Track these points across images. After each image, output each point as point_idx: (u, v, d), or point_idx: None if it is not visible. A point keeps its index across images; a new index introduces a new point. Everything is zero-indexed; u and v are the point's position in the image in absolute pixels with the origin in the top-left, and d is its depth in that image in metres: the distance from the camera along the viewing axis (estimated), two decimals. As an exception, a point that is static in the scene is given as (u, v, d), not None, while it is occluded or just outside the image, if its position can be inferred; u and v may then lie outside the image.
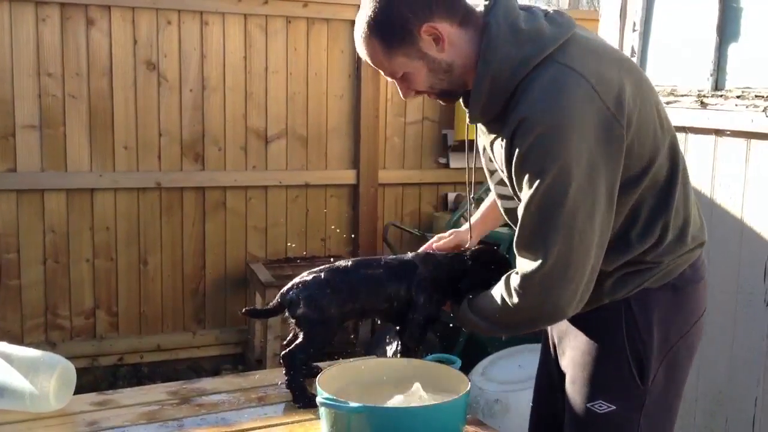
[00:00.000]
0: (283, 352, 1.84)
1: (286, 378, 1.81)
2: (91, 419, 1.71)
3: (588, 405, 1.75)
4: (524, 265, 1.61)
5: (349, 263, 1.88)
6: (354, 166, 4.94)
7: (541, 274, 1.58)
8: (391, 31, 1.62)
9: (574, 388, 1.79)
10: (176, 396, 1.85)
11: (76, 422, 1.70)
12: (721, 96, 3.03)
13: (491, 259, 1.91)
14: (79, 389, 1.81)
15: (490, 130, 1.73)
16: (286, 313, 1.84)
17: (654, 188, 1.68)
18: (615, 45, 3.52)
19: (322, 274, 1.82)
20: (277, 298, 1.86)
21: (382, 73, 1.71)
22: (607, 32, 3.58)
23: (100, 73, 4.33)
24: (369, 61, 1.70)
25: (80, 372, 1.82)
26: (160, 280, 4.61)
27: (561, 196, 1.54)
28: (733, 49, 3.05)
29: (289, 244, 4.84)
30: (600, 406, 1.74)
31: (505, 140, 1.61)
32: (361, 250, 4.93)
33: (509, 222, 1.87)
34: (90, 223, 4.42)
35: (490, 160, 1.81)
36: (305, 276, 1.84)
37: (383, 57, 1.65)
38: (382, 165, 5.00)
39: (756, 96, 2.89)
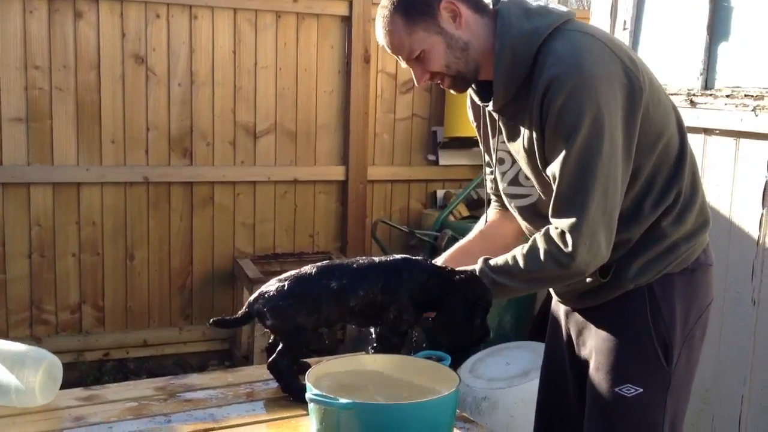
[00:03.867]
0: (268, 362, 1.83)
1: (280, 385, 1.81)
2: (78, 414, 1.70)
3: (616, 389, 1.81)
4: (568, 218, 1.66)
5: (313, 270, 1.82)
6: (343, 162, 4.92)
7: (586, 224, 1.64)
8: (413, 5, 1.71)
9: (600, 375, 1.84)
10: (163, 391, 1.84)
11: (62, 417, 1.68)
12: (711, 95, 3.03)
13: (477, 294, 1.82)
14: (65, 384, 1.79)
15: (513, 111, 1.76)
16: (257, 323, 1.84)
17: (668, 158, 1.76)
18: (605, 43, 3.52)
19: (286, 284, 1.80)
20: (244, 307, 1.85)
21: (400, 57, 1.76)
22: (597, 30, 3.58)
23: (87, 67, 4.30)
24: (388, 45, 1.76)
25: (66, 367, 1.81)
26: (147, 276, 4.59)
27: (598, 145, 1.62)
28: (723, 49, 3.06)
29: (277, 243, 4.83)
30: (628, 390, 1.80)
31: (534, 107, 1.67)
32: (349, 247, 4.92)
33: (523, 220, 1.93)
34: (76, 218, 4.39)
35: (501, 161, 1.88)
36: (270, 285, 1.82)
37: (404, 33, 1.71)
38: (371, 161, 4.99)
39: (745, 95, 2.89)
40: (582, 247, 1.65)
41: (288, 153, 4.81)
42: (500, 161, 1.90)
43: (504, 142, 1.86)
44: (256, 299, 1.82)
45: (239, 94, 4.64)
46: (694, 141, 3.08)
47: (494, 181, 2.01)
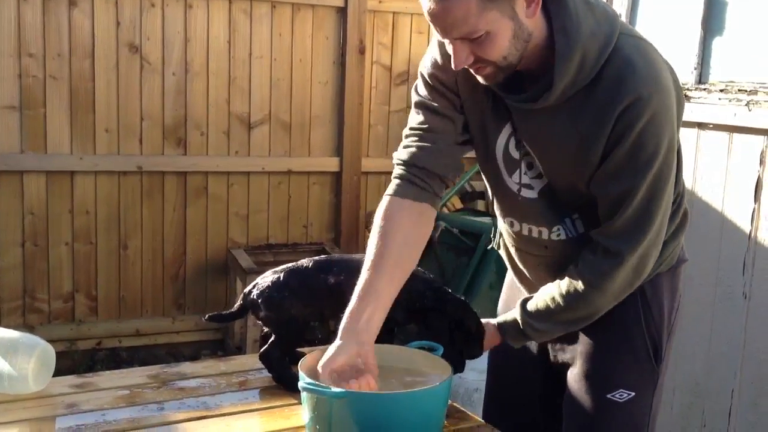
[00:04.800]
0: (260, 352, 1.83)
1: (272, 375, 1.81)
2: (71, 401, 1.70)
3: (608, 396, 1.77)
4: (619, 248, 1.61)
5: (310, 264, 1.83)
6: (337, 153, 4.92)
7: (644, 246, 1.61)
8: None
9: (589, 382, 1.79)
10: (156, 380, 1.84)
11: (55, 404, 1.69)
12: (705, 89, 3.04)
13: (462, 318, 1.80)
14: (57, 373, 1.80)
15: (552, 110, 1.60)
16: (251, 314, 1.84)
17: (679, 156, 1.72)
18: (600, 37, 3.52)
19: (281, 276, 1.80)
20: (239, 299, 1.85)
21: (450, 35, 1.52)
22: (592, 24, 3.58)
23: (81, 55, 4.28)
24: (445, 12, 1.48)
25: (58, 356, 1.81)
26: (140, 265, 4.58)
27: (668, 172, 1.59)
28: (717, 43, 3.07)
29: (270, 232, 4.83)
30: (620, 395, 1.77)
31: (602, 118, 1.55)
32: (343, 238, 4.93)
33: (516, 213, 1.79)
34: (70, 206, 4.38)
35: (509, 152, 1.71)
36: (266, 276, 1.82)
37: (475, 9, 1.46)
38: (366, 153, 4.99)
39: (739, 90, 2.90)
40: (626, 269, 1.63)
41: (282, 144, 4.81)
42: (511, 150, 1.72)
43: (517, 134, 1.69)
44: (250, 291, 1.82)
45: (234, 84, 4.63)
46: (687, 135, 3.09)
47: (435, 145, 1.73)
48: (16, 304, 4.33)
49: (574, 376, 1.82)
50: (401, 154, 1.76)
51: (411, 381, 1.65)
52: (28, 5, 4.14)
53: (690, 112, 3.06)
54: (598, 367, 1.79)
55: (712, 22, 3.08)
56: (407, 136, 1.78)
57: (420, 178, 1.73)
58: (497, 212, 1.89)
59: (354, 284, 1.64)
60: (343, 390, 1.46)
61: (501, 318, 1.81)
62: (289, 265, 1.83)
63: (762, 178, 2.81)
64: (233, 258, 4.55)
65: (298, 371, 1.54)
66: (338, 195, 4.95)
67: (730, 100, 2.91)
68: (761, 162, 2.81)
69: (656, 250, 1.66)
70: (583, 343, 1.81)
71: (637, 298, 1.76)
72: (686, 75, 3.14)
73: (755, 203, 2.84)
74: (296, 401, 1.66)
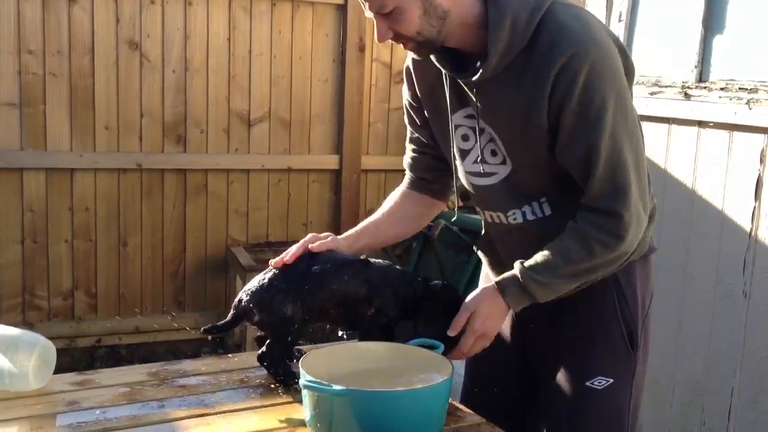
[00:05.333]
0: (258, 355, 1.83)
1: (271, 374, 1.81)
2: (71, 399, 1.70)
3: (587, 384, 1.79)
4: (613, 198, 1.62)
5: (291, 262, 1.82)
6: (337, 151, 4.92)
7: (632, 202, 1.62)
8: None
9: (567, 371, 1.82)
10: (157, 377, 1.84)
11: (55, 401, 1.68)
12: (705, 87, 3.04)
13: (453, 299, 1.81)
14: (57, 370, 1.79)
15: (498, 83, 1.65)
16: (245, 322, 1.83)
17: (641, 138, 1.75)
18: (601, 35, 3.52)
19: (266, 278, 1.79)
20: (231, 310, 1.83)
21: (367, 7, 1.63)
22: (593, 22, 3.58)
23: (81, 52, 4.28)
24: None
25: (58, 353, 1.80)
26: (140, 262, 4.58)
27: (624, 121, 1.60)
28: (717, 41, 3.06)
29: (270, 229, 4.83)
30: (599, 383, 1.79)
31: (542, 81, 1.59)
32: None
33: (478, 201, 1.87)
34: (69, 204, 4.37)
35: (465, 138, 1.79)
36: (252, 282, 1.81)
37: None
38: (365, 151, 4.99)
39: (740, 88, 2.90)
40: (630, 228, 1.64)
41: (282, 141, 4.80)
42: (463, 137, 1.80)
43: (470, 110, 1.75)
44: (240, 299, 1.81)
45: (233, 82, 4.63)
46: (688, 134, 3.10)
47: (422, 157, 1.97)
48: (16, 301, 4.33)
49: (552, 366, 1.84)
50: (406, 160, 2.04)
51: (412, 379, 1.65)
52: (27, 2, 4.13)
53: (690, 111, 3.06)
54: (576, 356, 1.81)
55: (712, 20, 3.08)
56: (409, 142, 2.03)
57: (425, 180, 2.00)
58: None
59: (340, 272, 1.77)
60: (344, 388, 1.46)
61: (498, 277, 1.75)
62: (270, 269, 1.82)
63: (762, 176, 2.81)
64: (233, 255, 4.55)
65: (298, 369, 1.54)
66: (338, 193, 4.95)
67: (730, 99, 2.91)
68: (762, 160, 2.81)
69: (647, 199, 1.68)
70: (560, 332, 1.84)
71: (611, 287, 1.79)
72: (687, 73, 3.14)
73: (756, 202, 2.84)
74: (297, 399, 1.66)
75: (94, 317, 4.51)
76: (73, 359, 4.32)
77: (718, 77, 3.04)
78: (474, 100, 1.72)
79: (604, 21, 3.50)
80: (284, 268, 1.80)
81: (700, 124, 3.04)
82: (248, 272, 4.19)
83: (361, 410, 1.47)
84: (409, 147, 2.02)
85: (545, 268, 1.68)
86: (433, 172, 1.99)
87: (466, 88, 1.73)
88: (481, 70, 1.64)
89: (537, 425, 1.92)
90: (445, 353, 1.71)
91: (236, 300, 1.82)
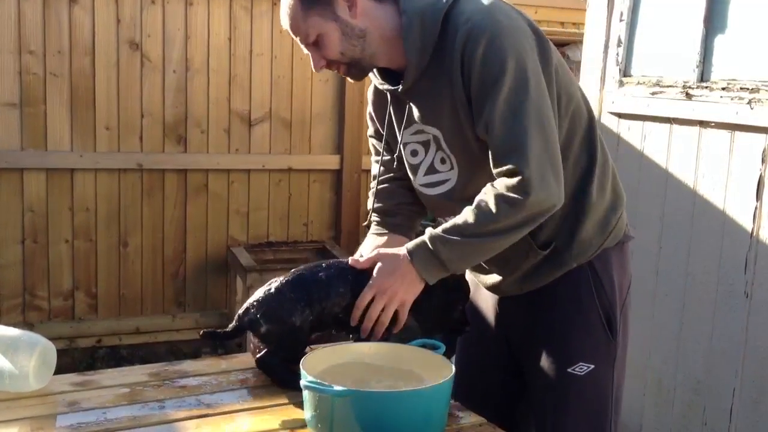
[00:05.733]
0: (256, 359, 1.82)
1: (273, 379, 1.80)
2: (72, 399, 1.69)
3: (569, 370, 1.83)
4: (511, 158, 1.64)
5: (300, 269, 1.81)
6: (338, 151, 4.92)
7: (531, 160, 1.62)
8: None
9: (550, 359, 1.85)
10: (157, 378, 1.84)
11: (56, 402, 1.68)
12: (707, 87, 3.03)
13: (455, 280, 1.82)
14: (57, 371, 1.79)
15: (428, 87, 1.75)
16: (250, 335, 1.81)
17: (580, 120, 1.80)
18: (601, 34, 3.52)
19: (273, 287, 1.78)
20: (234, 321, 1.81)
21: (299, 41, 1.77)
22: (593, 21, 3.58)
23: (82, 52, 4.28)
24: (288, 28, 1.76)
25: (58, 354, 1.80)
26: (140, 263, 4.58)
27: (525, 86, 1.63)
28: (719, 41, 3.06)
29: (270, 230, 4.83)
30: (580, 369, 1.83)
31: (454, 70, 1.68)
32: (343, 236, 4.92)
33: (435, 212, 1.94)
34: (70, 204, 4.37)
35: (414, 153, 1.86)
36: (257, 293, 1.80)
37: (300, 17, 1.72)
38: (366, 151, 4.97)
39: (741, 88, 2.90)
40: (533, 182, 1.62)
41: (283, 141, 4.80)
42: (413, 153, 1.88)
43: (417, 126, 1.82)
44: (245, 311, 1.78)
45: (234, 82, 4.63)
46: (689, 133, 3.09)
47: (390, 186, 2.03)
48: (16, 301, 4.33)
49: (534, 355, 1.88)
50: (370, 202, 2.07)
51: (413, 379, 1.64)
52: (28, 2, 4.13)
53: (691, 111, 3.05)
54: (556, 343, 1.85)
55: (714, 19, 3.07)
56: (373, 180, 2.07)
57: (388, 218, 2.03)
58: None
59: (345, 274, 1.77)
60: (345, 388, 1.46)
61: (408, 243, 1.75)
62: (276, 278, 1.81)
63: (764, 176, 2.80)
64: (233, 256, 4.54)
65: (299, 370, 1.54)
66: (339, 193, 4.95)
67: (732, 99, 2.90)
68: (763, 160, 2.80)
69: (551, 166, 1.65)
70: (539, 321, 1.88)
71: (587, 273, 1.84)
72: (688, 73, 3.14)
73: (757, 201, 2.83)
74: (298, 399, 1.66)
75: (95, 318, 4.51)
76: (73, 360, 4.32)
77: (720, 77, 3.04)
78: (414, 109, 1.81)
79: (605, 20, 3.50)
80: (291, 279, 1.78)
81: (702, 124, 3.03)
82: (249, 272, 4.19)
83: (362, 411, 1.47)
84: (375, 180, 2.06)
85: (452, 227, 1.69)
86: (399, 197, 2.02)
87: (407, 103, 1.81)
88: (407, 76, 1.74)
89: (526, 417, 1.95)
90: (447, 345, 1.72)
91: (241, 311, 1.79)
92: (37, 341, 1.73)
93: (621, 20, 3.43)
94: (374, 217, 2.06)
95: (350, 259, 1.78)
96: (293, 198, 4.88)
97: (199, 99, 4.56)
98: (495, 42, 1.63)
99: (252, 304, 1.78)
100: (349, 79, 1.85)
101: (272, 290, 1.77)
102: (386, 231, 2.02)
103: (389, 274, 1.72)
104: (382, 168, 2.05)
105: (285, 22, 1.77)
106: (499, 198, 1.64)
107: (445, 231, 1.70)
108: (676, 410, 3.17)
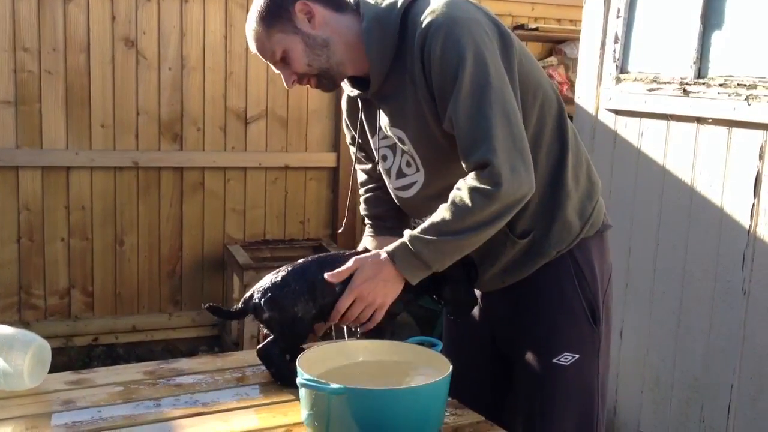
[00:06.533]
0: (257, 348, 1.82)
1: (270, 372, 1.80)
2: (66, 398, 1.68)
3: (554, 360, 1.85)
4: (478, 150, 1.64)
5: (309, 260, 1.82)
6: (334, 149, 4.91)
7: (499, 150, 1.63)
8: (268, 9, 1.76)
9: (535, 350, 1.87)
10: (153, 376, 1.83)
11: (50, 401, 1.67)
12: (704, 84, 3.03)
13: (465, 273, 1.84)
14: (53, 369, 1.78)
15: (393, 88, 1.78)
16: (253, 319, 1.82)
17: (550, 110, 1.81)
18: (598, 31, 3.51)
19: (280, 276, 1.78)
20: (240, 303, 1.83)
21: (269, 62, 1.82)
22: (590, 18, 3.57)
23: (77, 50, 4.26)
24: (256, 51, 1.82)
25: (54, 352, 1.79)
26: (137, 261, 4.57)
27: (485, 76, 1.64)
28: (716, 37, 3.05)
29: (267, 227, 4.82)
30: (565, 359, 1.85)
31: (415, 69, 1.71)
32: (340, 234, 4.91)
33: (415, 212, 1.94)
34: (65, 202, 4.36)
35: (384, 158, 1.91)
36: (264, 280, 1.80)
37: (264, 37, 1.77)
38: (363, 148, 4.97)
39: (738, 84, 2.89)
40: (503, 172, 1.62)
41: (279, 139, 4.79)
42: (383, 158, 1.92)
43: (386, 131, 1.85)
44: (251, 294, 1.80)
45: (230, 80, 4.62)
46: (686, 130, 3.08)
47: (374, 194, 2.08)
48: (12, 300, 4.32)
49: (520, 348, 1.89)
50: (361, 208, 2.13)
51: (410, 377, 1.64)
52: (23, 0, 4.11)
53: (689, 107, 3.05)
54: (541, 335, 1.87)
55: (711, 16, 3.06)
56: (360, 186, 2.12)
57: (382, 222, 2.08)
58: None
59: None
60: (342, 386, 1.45)
61: (388, 246, 1.75)
62: (286, 265, 1.81)
63: (761, 173, 2.80)
64: (230, 254, 4.53)
65: (296, 367, 1.53)
66: (335, 190, 4.94)
67: (729, 95, 2.90)
68: (760, 157, 2.80)
69: (519, 153, 1.65)
70: (523, 313, 1.89)
71: (568, 263, 1.85)
72: (685, 69, 3.13)
73: (755, 198, 2.83)
74: (294, 397, 1.65)
75: (91, 316, 4.49)
76: (69, 358, 4.31)
77: (717, 73, 3.03)
78: (382, 114, 1.84)
79: (602, 17, 3.49)
80: (298, 269, 1.79)
81: (699, 120, 3.03)
82: (245, 270, 4.18)
83: (359, 409, 1.46)
84: (362, 188, 2.12)
85: (430, 226, 1.70)
86: (388, 203, 2.05)
87: (377, 108, 1.85)
88: (372, 79, 1.78)
89: (514, 409, 1.95)
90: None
91: (247, 295, 1.81)
92: (31, 340, 1.72)
93: (618, 17, 3.43)
94: (367, 222, 2.11)
95: (326, 275, 1.75)
96: (290, 196, 4.87)
97: (194, 97, 4.55)
98: (451, 36, 1.65)
99: (258, 290, 1.79)
100: (321, 90, 1.89)
101: (278, 279, 1.77)
102: (381, 234, 2.06)
103: (369, 279, 1.72)
104: (365, 177, 2.11)
105: (252, 45, 1.81)
106: (473, 191, 1.65)
107: (423, 231, 1.70)
108: (674, 407, 3.16)
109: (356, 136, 2.00)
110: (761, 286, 2.82)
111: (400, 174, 1.90)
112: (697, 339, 3.06)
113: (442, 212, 1.69)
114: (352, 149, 2.07)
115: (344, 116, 2.05)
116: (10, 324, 1.83)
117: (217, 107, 4.61)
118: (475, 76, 1.64)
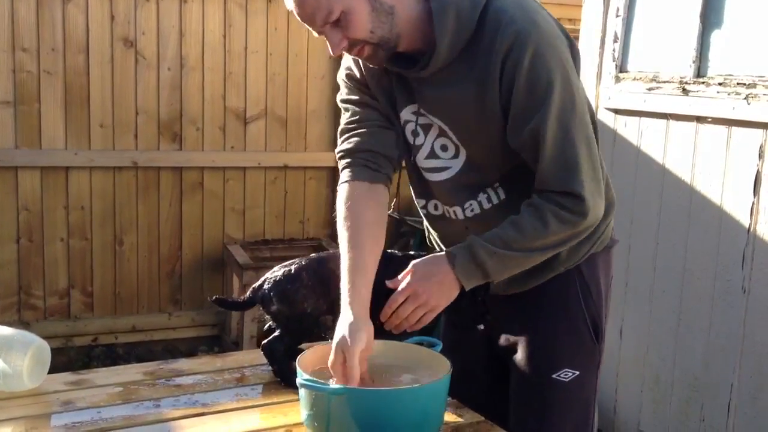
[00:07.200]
0: (262, 344, 1.81)
1: (272, 368, 1.79)
2: (66, 399, 1.68)
3: (553, 376, 1.81)
4: (568, 177, 1.61)
5: (323, 255, 1.82)
6: (333, 148, 4.89)
7: (586, 180, 1.61)
8: None
9: (534, 363, 1.82)
10: (152, 376, 1.83)
11: (50, 401, 1.67)
12: (703, 83, 3.03)
13: None
14: (53, 369, 1.78)
15: (448, 76, 1.66)
16: (260, 310, 1.81)
17: (592, 126, 1.74)
18: (598, 30, 3.51)
19: (293, 269, 1.77)
20: (248, 293, 1.81)
21: (317, 21, 1.58)
22: (590, 17, 3.57)
23: (76, 50, 4.26)
24: (302, 7, 1.57)
25: (54, 352, 1.79)
26: (136, 261, 4.56)
27: (572, 102, 1.60)
28: (716, 36, 3.05)
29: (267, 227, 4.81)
30: (566, 375, 1.81)
31: (491, 67, 1.60)
32: (339, 233, 4.90)
33: (437, 196, 1.82)
34: (65, 202, 4.35)
35: (415, 134, 1.77)
36: (276, 271, 1.79)
37: None
38: (362, 148, 4.96)
39: (738, 83, 2.89)
40: (590, 205, 1.61)
41: (278, 138, 4.78)
42: (413, 133, 1.79)
43: (423, 112, 1.73)
44: (261, 284, 1.79)
45: (229, 79, 4.61)
46: (686, 129, 3.08)
47: (381, 131, 1.80)
48: (11, 300, 4.32)
49: (519, 359, 1.85)
50: (343, 146, 1.83)
51: (410, 377, 1.64)
52: (22, 0, 4.11)
53: (688, 106, 3.05)
54: (543, 349, 1.82)
55: (710, 15, 3.06)
56: (342, 133, 1.86)
57: (369, 161, 1.79)
58: (418, 201, 1.91)
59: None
60: (342, 386, 1.45)
61: (450, 248, 1.70)
62: (300, 259, 1.81)
63: (761, 172, 2.80)
64: (229, 253, 4.53)
65: (296, 367, 1.53)
66: (335, 190, 4.90)
67: (728, 94, 2.89)
68: (760, 156, 2.80)
69: (598, 182, 1.64)
70: (526, 325, 1.84)
71: (575, 278, 1.80)
72: (684, 68, 3.13)
73: (754, 197, 2.83)
74: (294, 397, 1.65)
75: (91, 316, 4.49)
76: (69, 358, 4.30)
77: (717, 72, 3.03)
78: (421, 95, 1.72)
79: (601, 16, 3.49)
80: (314, 263, 1.76)
81: (699, 119, 3.03)
82: (245, 270, 4.18)
83: (359, 409, 1.46)
84: (350, 127, 1.85)
85: (498, 237, 1.65)
86: (383, 140, 1.81)
87: (413, 85, 1.72)
88: (431, 63, 1.64)
89: (506, 418, 1.91)
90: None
91: (256, 284, 1.80)
92: (31, 340, 1.72)
93: (617, 16, 3.43)
94: (351, 159, 1.82)
95: (387, 282, 1.68)
96: (289, 195, 4.87)
97: (194, 96, 4.54)
98: (541, 52, 1.57)
99: (268, 280, 1.77)
100: (369, 63, 1.71)
101: (292, 271, 1.76)
102: (364, 179, 1.80)
103: (426, 279, 1.67)
104: (364, 113, 1.83)
105: (298, 4, 1.57)
106: (555, 216, 1.62)
107: (489, 241, 1.65)
108: (674, 406, 3.16)
109: (372, 94, 1.81)
110: (761, 284, 2.82)
111: (432, 155, 1.78)
112: (697, 338, 3.06)
113: (515, 227, 1.65)
114: (353, 96, 1.85)
115: (354, 71, 1.82)
116: (10, 324, 1.82)
117: (216, 107, 4.60)
118: (564, 101, 1.59)
